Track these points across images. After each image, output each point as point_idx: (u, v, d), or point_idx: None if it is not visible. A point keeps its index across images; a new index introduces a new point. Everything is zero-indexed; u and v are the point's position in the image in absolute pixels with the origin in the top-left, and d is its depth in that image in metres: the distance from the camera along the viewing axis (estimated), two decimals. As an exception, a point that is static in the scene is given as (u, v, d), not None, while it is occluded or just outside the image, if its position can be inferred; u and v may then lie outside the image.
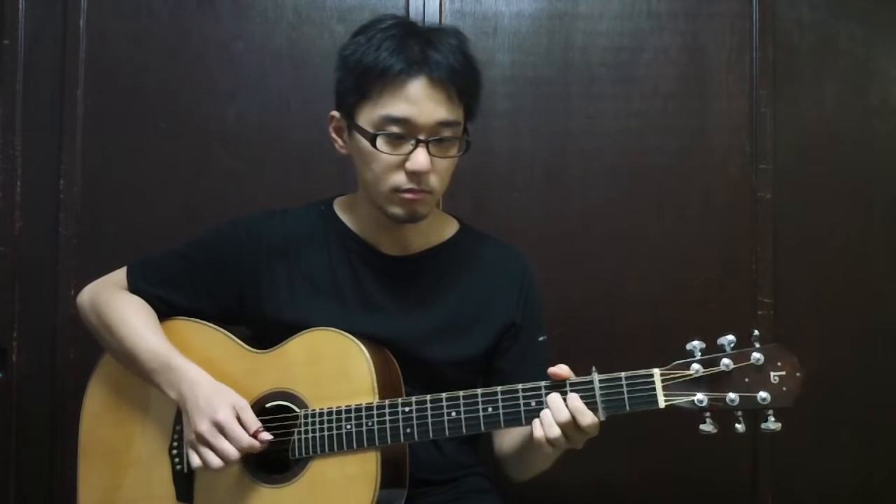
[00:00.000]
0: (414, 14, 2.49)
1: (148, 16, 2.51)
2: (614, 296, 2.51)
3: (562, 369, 1.70)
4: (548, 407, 1.67)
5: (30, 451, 2.48)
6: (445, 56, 1.77)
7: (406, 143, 1.76)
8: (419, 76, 1.74)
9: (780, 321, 2.49)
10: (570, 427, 1.65)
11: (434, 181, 1.80)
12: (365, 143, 1.78)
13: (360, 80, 1.77)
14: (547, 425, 1.66)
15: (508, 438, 1.94)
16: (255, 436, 1.77)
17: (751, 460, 2.47)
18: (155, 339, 1.90)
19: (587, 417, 1.65)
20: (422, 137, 1.76)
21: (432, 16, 2.50)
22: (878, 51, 2.57)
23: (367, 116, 1.77)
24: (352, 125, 1.81)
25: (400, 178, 1.78)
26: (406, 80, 1.74)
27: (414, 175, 1.77)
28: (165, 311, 1.98)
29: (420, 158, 1.75)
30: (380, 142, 1.76)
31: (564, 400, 1.66)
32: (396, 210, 1.81)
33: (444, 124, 1.77)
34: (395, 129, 1.75)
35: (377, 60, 1.75)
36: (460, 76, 1.79)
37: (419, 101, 1.75)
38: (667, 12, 2.53)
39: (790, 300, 2.51)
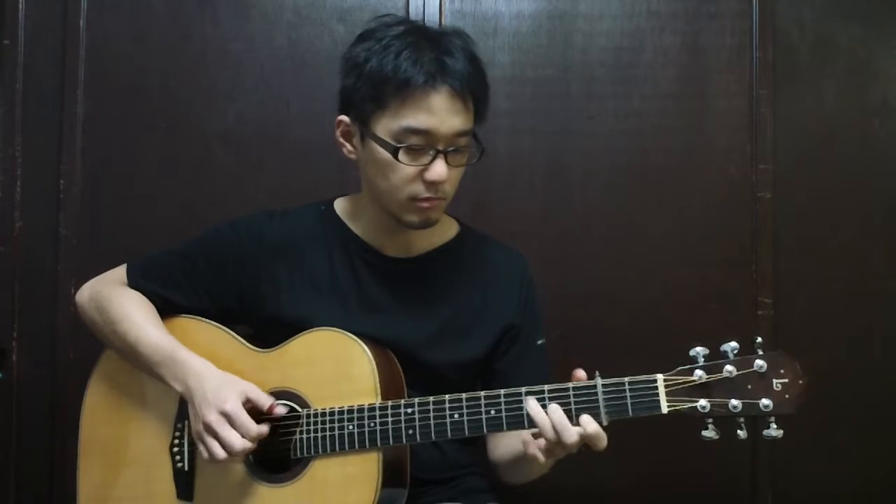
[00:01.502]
0: (414, 14, 2.49)
1: (148, 16, 2.51)
2: (614, 296, 2.51)
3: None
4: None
5: (30, 451, 2.48)
6: (462, 64, 1.77)
7: (425, 153, 1.76)
8: (441, 88, 1.74)
9: (781, 321, 2.49)
10: (552, 440, 1.65)
11: (448, 188, 1.81)
12: (383, 152, 1.77)
13: (378, 89, 1.75)
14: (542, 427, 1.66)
15: (503, 444, 1.94)
16: (269, 411, 1.78)
17: (750, 461, 2.47)
18: (158, 333, 1.90)
19: (569, 434, 1.64)
20: (440, 148, 1.76)
21: (432, 16, 2.50)
22: (878, 51, 2.57)
23: (386, 126, 1.76)
24: (367, 133, 1.80)
25: (418, 188, 1.78)
26: (429, 91, 1.74)
27: (431, 184, 1.77)
28: (165, 310, 1.98)
29: (439, 169, 1.76)
30: (401, 154, 1.76)
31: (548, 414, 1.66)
32: (412, 217, 1.82)
33: (460, 134, 1.78)
34: (415, 140, 1.75)
35: (397, 71, 1.73)
36: (475, 83, 1.79)
37: (440, 112, 1.74)
38: (667, 12, 2.53)
39: (790, 300, 2.51)
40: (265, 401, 1.79)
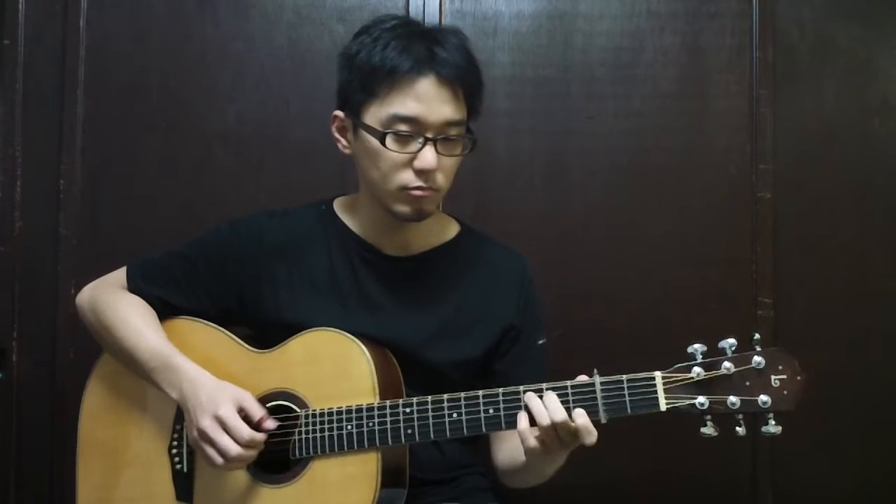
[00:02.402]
0: (414, 14, 2.49)
1: (148, 16, 2.51)
2: (614, 296, 2.51)
3: None
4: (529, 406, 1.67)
5: (30, 451, 2.48)
6: (451, 54, 1.79)
7: (414, 141, 1.77)
8: (428, 74, 1.76)
9: (780, 321, 2.49)
10: (549, 428, 1.65)
11: (440, 179, 1.81)
12: (372, 141, 1.78)
13: (368, 79, 1.77)
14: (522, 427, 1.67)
15: (506, 448, 1.94)
16: (260, 423, 1.77)
17: (751, 461, 2.47)
18: (155, 339, 1.90)
19: (559, 414, 1.64)
20: (429, 136, 1.77)
21: (432, 16, 2.50)
22: (878, 51, 2.56)
23: (375, 115, 1.78)
24: (358, 124, 1.81)
25: (408, 177, 1.79)
26: (415, 78, 1.75)
27: (421, 173, 1.78)
28: (165, 312, 1.98)
29: (428, 156, 1.77)
30: (389, 140, 1.77)
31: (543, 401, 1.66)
32: (403, 208, 1.82)
33: (450, 123, 1.79)
34: (403, 127, 1.76)
35: (385, 59, 1.76)
36: (466, 74, 1.81)
37: (427, 99, 1.76)
38: (667, 12, 2.53)
39: (790, 300, 2.51)
40: (257, 412, 1.79)
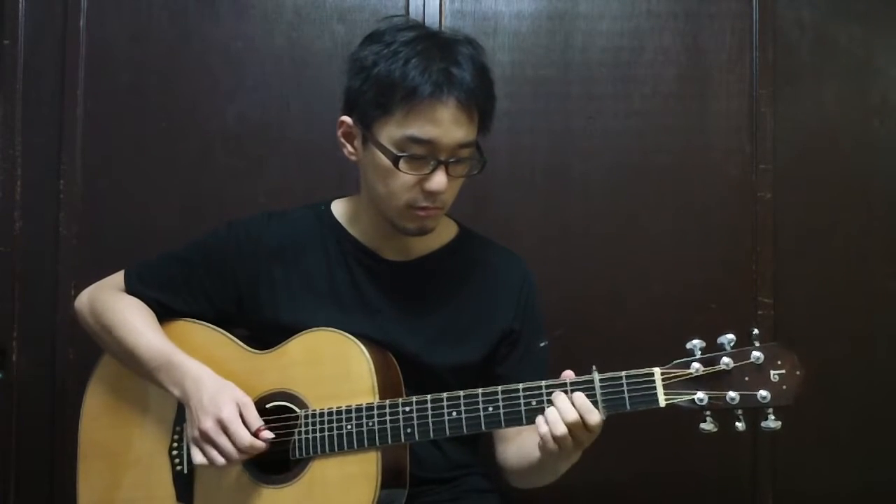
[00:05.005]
0: (414, 14, 2.49)
1: (148, 16, 2.51)
2: (614, 296, 2.51)
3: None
4: (555, 406, 1.65)
5: (30, 451, 2.48)
6: (470, 75, 1.76)
7: (426, 163, 1.76)
8: (448, 100, 1.73)
9: (780, 321, 2.49)
10: (578, 426, 1.63)
11: (447, 198, 1.81)
12: (383, 159, 1.77)
13: (384, 95, 1.74)
14: (553, 423, 1.64)
15: (515, 448, 1.92)
16: (256, 434, 1.77)
17: (751, 459, 2.46)
18: (156, 338, 1.90)
19: (594, 416, 1.63)
20: (442, 158, 1.76)
21: (432, 16, 2.50)
22: (878, 51, 2.56)
23: (389, 133, 1.76)
24: (369, 137, 1.79)
25: (416, 196, 1.78)
26: (436, 103, 1.72)
27: (430, 194, 1.77)
28: (163, 314, 1.97)
29: (439, 179, 1.76)
30: (402, 163, 1.75)
31: (570, 399, 1.65)
32: (408, 225, 1.82)
33: (463, 146, 1.78)
34: (418, 150, 1.74)
35: (405, 78, 1.72)
36: (482, 96, 1.79)
37: (445, 123, 1.74)
38: (667, 12, 2.53)
39: (790, 300, 2.51)
40: (255, 422, 1.78)
